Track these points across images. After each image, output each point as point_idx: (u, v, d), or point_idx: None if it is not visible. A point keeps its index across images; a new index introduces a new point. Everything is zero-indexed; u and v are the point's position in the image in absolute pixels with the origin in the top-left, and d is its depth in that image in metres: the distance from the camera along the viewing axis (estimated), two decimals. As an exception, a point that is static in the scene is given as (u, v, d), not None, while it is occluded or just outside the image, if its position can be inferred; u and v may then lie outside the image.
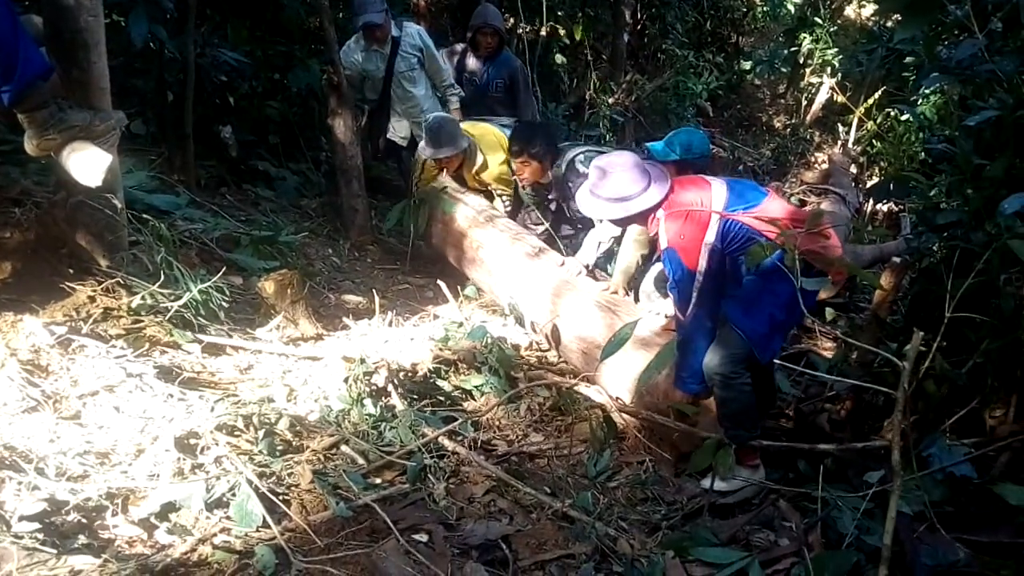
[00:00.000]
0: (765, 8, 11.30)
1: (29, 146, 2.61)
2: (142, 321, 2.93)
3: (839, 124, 9.42)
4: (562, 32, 8.05)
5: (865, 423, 3.14)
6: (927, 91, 5.96)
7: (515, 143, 4.20)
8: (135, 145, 4.63)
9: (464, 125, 4.68)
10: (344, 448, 2.63)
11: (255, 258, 3.94)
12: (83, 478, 2.17)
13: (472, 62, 5.40)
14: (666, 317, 3.17)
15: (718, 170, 8.17)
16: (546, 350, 3.79)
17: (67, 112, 2.60)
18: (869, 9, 10.08)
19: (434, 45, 5.18)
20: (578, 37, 7.98)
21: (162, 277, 3.05)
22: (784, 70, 10.98)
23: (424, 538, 2.25)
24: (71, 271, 3.02)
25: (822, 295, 4.12)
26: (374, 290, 4.06)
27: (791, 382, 3.72)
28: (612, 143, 7.08)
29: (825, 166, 8.60)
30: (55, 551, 1.87)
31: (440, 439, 2.74)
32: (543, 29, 7.69)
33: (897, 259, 3.11)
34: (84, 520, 2.04)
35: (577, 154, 4.03)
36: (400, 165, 5.59)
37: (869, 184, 7.41)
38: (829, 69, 9.29)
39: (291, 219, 5.09)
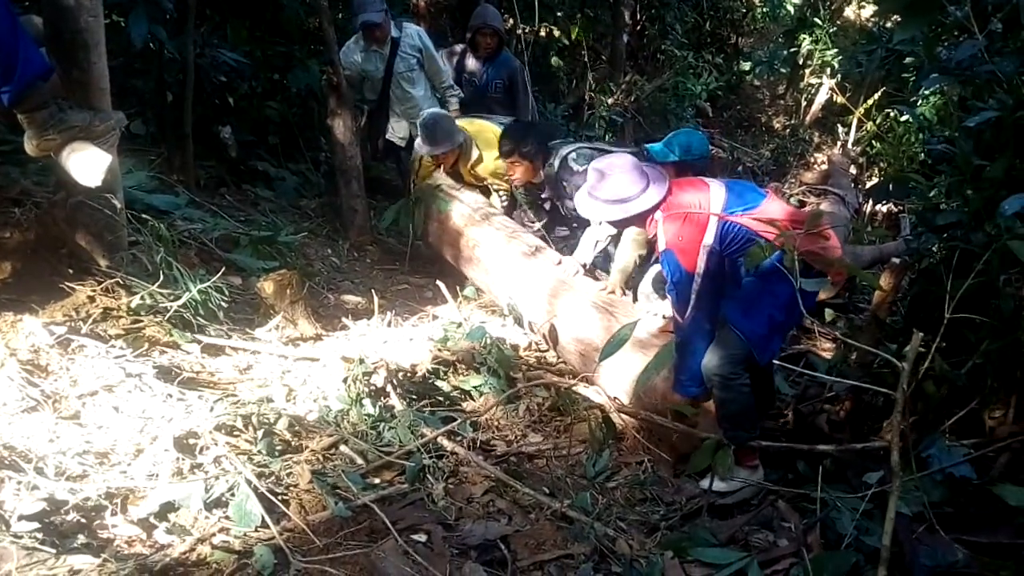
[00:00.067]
0: (764, 9, 11.32)
1: (29, 146, 2.61)
2: (141, 321, 2.93)
3: (838, 125, 9.42)
4: (557, 34, 8.05)
5: (864, 424, 3.14)
6: (927, 92, 5.96)
7: (506, 143, 4.13)
8: (135, 145, 4.64)
9: (460, 122, 4.68)
10: (343, 448, 2.63)
11: (254, 258, 3.94)
12: (82, 478, 2.17)
13: (471, 63, 5.40)
14: (664, 318, 3.17)
15: (717, 171, 8.18)
16: (545, 350, 3.79)
17: (67, 112, 2.60)
18: (869, 10, 10.08)
19: (433, 46, 5.19)
20: (574, 37, 7.98)
21: (161, 277, 3.05)
22: (783, 71, 10.99)
23: (423, 538, 2.25)
24: (71, 271, 3.02)
25: (822, 296, 4.13)
26: (373, 290, 4.06)
27: (790, 383, 3.72)
28: (611, 143, 7.08)
29: (824, 167, 8.60)
30: (54, 551, 1.87)
31: (439, 439, 2.74)
32: (541, 30, 7.70)
33: (896, 260, 3.11)
34: (83, 520, 2.04)
35: (570, 152, 3.99)
36: (399, 165, 5.60)
37: (868, 185, 7.41)
38: (828, 70, 9.29)
39: (290, 219, 5.09)
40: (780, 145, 9.85)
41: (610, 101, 7.67)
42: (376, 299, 3.78)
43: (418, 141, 4.60)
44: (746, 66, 11.08)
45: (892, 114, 7.45)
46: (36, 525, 1.93)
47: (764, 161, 9.56)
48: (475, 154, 4.58)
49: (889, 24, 7.21)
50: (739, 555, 2.28)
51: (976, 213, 2.63)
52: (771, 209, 2.72)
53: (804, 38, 9.50)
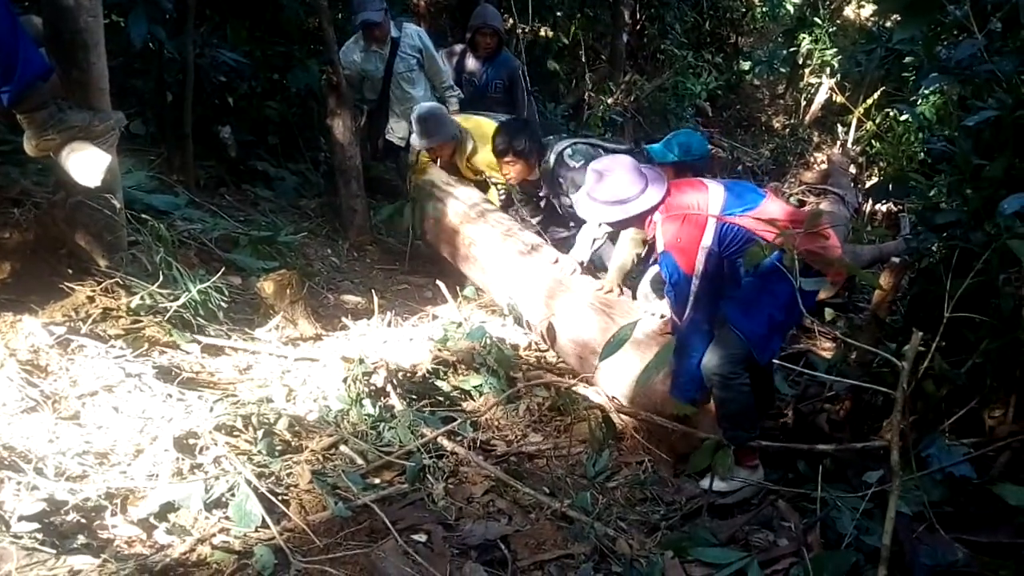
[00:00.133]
0: (764, 8, 11.32)
1: (28, 146, 2.61)
2: (141, 321, 2.93)
3: (838, 124, 9.42)
4: (549, 35, 8.05)
5: (864, 423, 3.14)
6: (926, 91, 5.96)
7: (500, 142, 4.07)
8: (134, 145, 4.64)
9: (457, 119, 4.68)
10: (343, 448, 2.63)
11: (254, 258, 3.94)
12: (82, 478, 2.17)
13: (471, 63, 5.40)
14: (662, 318, 3.16)
15: (717, 170, 8.19)
16: (545, 350, 3.79)
17: (66, 112, 2.60)
18: (868, 9, 10.08)
19: (433, 46, 5.19)
20: (571, 38, 7.98)
21: (161, 277, 3.05)
22: (783, 70, 10.99)
23: (423, 538, 2.25)
24: (70, 271, 3.02)
25: (822, 295, 4.13)
26: (373, 290, 4.06)
27: (790, 382, 3.72)
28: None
29: (824, 166, 8.60)
30: (54, 551, 1.87)
31: (439, 439, 2.74)
32: (541, 30, 7.70)
33: (896, 259, 3.11)
34: (83, 520, 2.04)
35: (565, 148, 3.97)
36: (398, 165, 5.60)
37: (868, 184, 7.40)
38: (828, 69, 9.29)
39: (290, 219, 5.09)
40: (780, 144, 9.85)
41: (610, 101, 7.67)
42: (376, 299, 3.78)
43: (414, 136, 4.59)
44: (746, 66, 11.08)
45: (892, 113, 7.45)
46: (36, 525, 1.93)
47: (764, 160, 9.56)
48: (471, 145, 4.55)
49: (889, 23, 7.21)
50: (739, 555, 2.28)
51: (975, 212, 2.63)
52: (770, 209, 2.72)
53: (804, 37, 9.51)
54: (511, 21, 7.06)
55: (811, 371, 3.31)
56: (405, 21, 5.40)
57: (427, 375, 3.22)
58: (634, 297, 3.60)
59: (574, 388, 3.22)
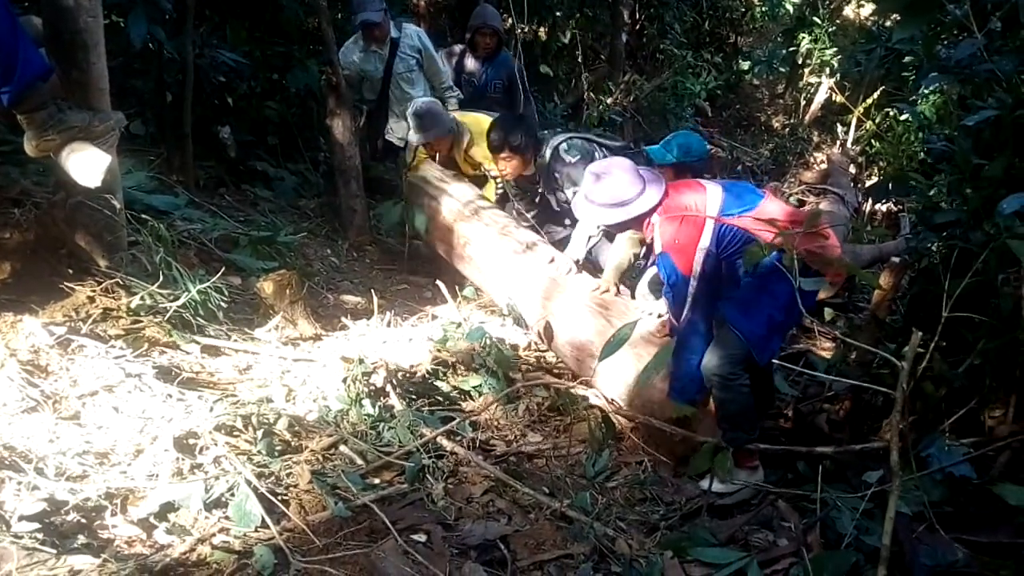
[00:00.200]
0: (763, 8, 11.32)
1: (28, 147, 2.61)
2: (141, 321, 2.93)
3: (838, 124, 9.43)
4: (543, 35, 8.05)
5: (864, 423, 3.14)
6: (926, 91, 5.96)
7: (495, 137, 4.03)
8: (134, 145, 4.64)
9: (455, 115, 4.67)
10: (343, 448, 2.63)
11: (254, 258, 3.94)
12: (82, 478, 2.17)
13: (471, 63, 5.40)
14: (659, 317, 3.16)
15: (717, 170, 8.19)
16: (544, 350, 3.79)
17: (66, 113, 2.60)
18: (868, 9, 10.08)
19: (433, 46, 5.19)
20: (568, 39, 7.98)
21: (161, 277, 3.05)
22: (783, 70, 10.99)
23: (423, 538, 2.25)
24: (70, 271, 3.02)
25: (822, 295, 4.13)
26: (373, 290, 4.06)
27: (790, 382, 3.72)
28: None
29: (824, 166, 8.61)
30: (54, 551, 1.87)
31: (438, 439, 2.74)
32: (541, 30, 7.70)
33: (896, 259, 3.11)
34: (83, 520, 2.04)
35: (561, 142, 3.94)
36: (398, 165, 5.59)
37: (868, 184, 7.41)
38: (828, 69, 9.29)
39: (290, 219, 5.09)
40: (779, 144, 9.86)
41: (609, 101, 7.67)
42: (375, 299, 3.78)
43: (411, 132, 4.58)
44: (745, 65, 11.09)
45: (891, 113, 7.44)
46: (36, 525, 1.93)
47: (763, 160, 9.57)
48: (468, 138, 4.53)
49: (888, 23, 7.21)
50: (739, 555, 2.28)
51: (975, 212, 2.63)
52: (769, 209, 2.71)
53: (803, 37, 9.50)
54: (510, 21, 7.05)
55: (811, 371, 3.31)
56: (404, 21, 5.40)
57: (426, 375, 3.22)
58: (633, 297, 3.59)
59: (573, 389, 3.22)
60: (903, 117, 7.12)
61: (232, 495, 2.22)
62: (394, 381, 3.02)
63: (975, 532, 2.27)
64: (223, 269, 3.45)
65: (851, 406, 3.18)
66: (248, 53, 5.42)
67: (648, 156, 3.60)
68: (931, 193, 3.43)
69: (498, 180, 4.59)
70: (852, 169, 8.20)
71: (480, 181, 4.72)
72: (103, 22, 2.83)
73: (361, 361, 2.98)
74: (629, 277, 3.73)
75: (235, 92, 5.57)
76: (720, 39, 11.16)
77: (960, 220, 2.73)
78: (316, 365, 3.08)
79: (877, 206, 7.29)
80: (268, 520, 2.15)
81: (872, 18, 9.15)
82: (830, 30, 9.39)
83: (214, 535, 2.10)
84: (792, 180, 8.54)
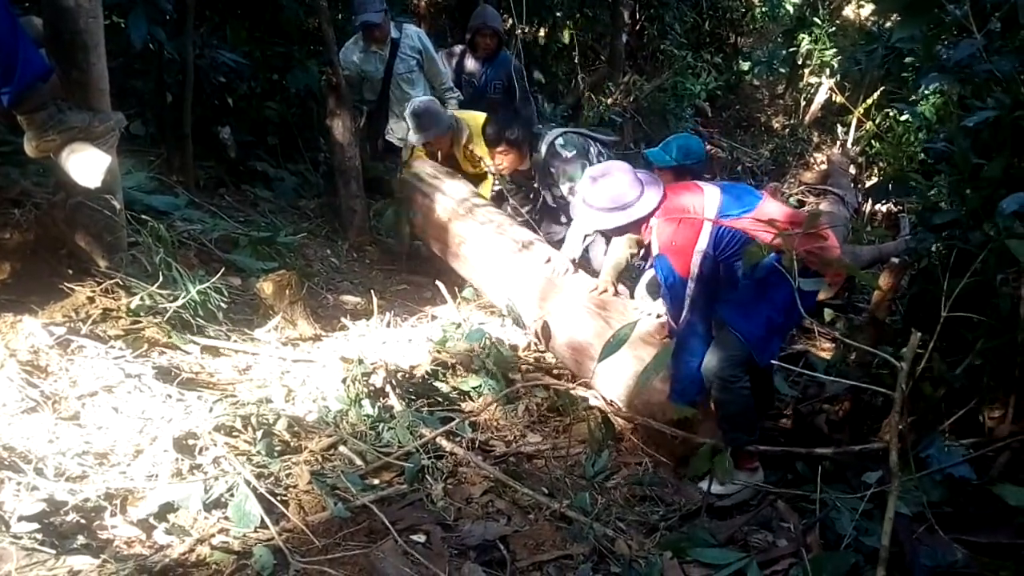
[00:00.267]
0: (764, 8, 11.33)
1: (28, 147, 2.61)
2: (141, 322, 2.93)
3: (838, 124, 9.43)
4: (542, 35, 8.05)
5: (864, 424, 3.14)
6: (926, 91, 5.96)
7: (491, 132, 4.03)
8: (134, 146, 4.64)
9: (454, 113, 4.67)
10: (342, 449, 2.63)
11: (254, 259, 3.94)
12: (82, 478, 2.17)
13: (471, 63, 5.40)
14: (658, 318, 3.16)
15: (716, 171, 8.19)
16: (544, 351, 3.79)
17: (66, 113, 2.60)
18: (868, 9, 10.09)
19: (433, 47, 5.19)
20: (567, 40, 7.99)
21: (161, 278, 3.05)
22: (783, 70, 11.00)
23: (422, 539, 2.24)
24: (70, 272, 3.02)
25: (822, 296, 4.13)
26: (372, 291, 4.06)
27: (789, 383, 3.72)
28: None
29: (824, 166, 8.61)
30: (54, 551, 1.87)
31: (438, 440, 2.74)
32: (540, 30, 7.70)
33: (896, 260, 3.11)
34: (83, 520, 2.04)
35: (556, 137, 3.94)
36: (397, 166, 5.60)
37: (868, 184, 7.41)
38: (828, 70, 9.30)
39: (289, 220, 5.09)
40: (779, 145, 9.86)
41: (609, 101, 7.67)
42: (375, 299, 3.78)
43: (410, 133, 4.57)
44: (745, 66, 11.09)
45: (892, 113, 7.45)
46: (36, 526, 1.93)
47: (763, 161, 9.57)
48: (467, 133, 4.52)
49: (888, 23, 7.21)
50: (738, 555, 2.28)
51: (974, 212, 2.63)
52: (768, 210, 2.71)
53: (803, 38, 9.51)
54: (511, 22, 7.06)
55: (810, 372, 3.31)
56: (405, 22, 5.41)
57: (426, 376, 3.22)
58: (632, 296, 3.59)
59: (573, 390, 3.22)
60: (903, 117, 7.13)
61: (231, 495, 2.22)
62: (393, 382, 3.02)
63: (975, 533, 2.27)
64: (223, 270, 3.46)
65: (851, 407, 3.18)
66: (248, 53, 5.43)
67: (647, 159, 3.59)
68: (931, 194, 3.43)
69: (495, 177, 4.58)
70: (852, 170, 8.21)
71: (477, 180, 4.71)
72: (103, 23, 2.83)
73: (360, 362, 2.98)
74: (628, 277, 3.72)
75: (235, 92, 5.58)
76: (720, 40, 11.17)
77: (959, 220, 2.74)
78: (315, 366, 3.08)
79: (877, 207, 7.29)
80: (267, 520, 2.15)
81: (872, 18, 9.16)
82: (830, 31, 9.40)
83: (213, 535, 2.10)
84: (792, 181, 8.54)
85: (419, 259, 4.93)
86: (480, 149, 4.47)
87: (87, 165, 2.59)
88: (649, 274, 3.49)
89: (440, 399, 3.15)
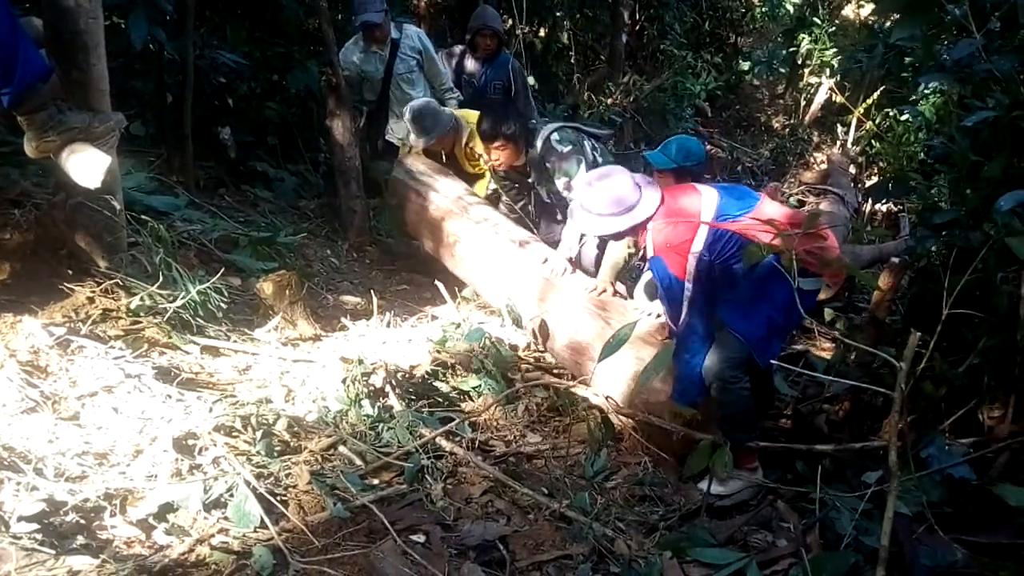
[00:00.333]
0: (763, 8, 11.33)
1: (28, 148, 2.61)
2: (141, 322, 2.93)
3: (838, 124, 9.43)
4: (541, 35, 8.05)
5: (864, 424, 3.14)
6: (926, 91, 5.97)
7: (488, 127, 3.98)
8: (134, 146, 4.65)
9: (454, 112, 4.66)
10: (342, 449, 2.63)
11: (254, 259, 3.94)
12: (81, 479, 2.17)
13: (470, 64, 5.40)
14: (658, 318, 3.16)
15: (716, 171, 8.19)
16: (544, 351, 3.79)
17: (66, 114, 2.60)
18: (868, 9, 10.09)
19: (433, 47, 5.19)
20: (567, 40, 7.99)
21: (161, 278, 3.05)
22: (783, 70, 11.00)
23: (421, 539, 2.24)
24: (70, 272, 3.02)
25: (822, 296, 4.13)
26: (372, 291, 4.06)
27: (789, 383, 3.72)
28: (610, 144, 7.07)
29: (824, 166, 8.62)
30: (53, 551, 1.87)
31: (437, 440, 2.74)
32: (540, 30, 7.71)
33: (896, 259, 3.11)
34: (82, 521, 2.04)
35: (552, 132, 3.92)
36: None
37: (868, 184, 7.41)
38: (828, 70, 9.30)
39: (289, 220, 5.10)
40: (779, 145, 9.86)
41: (609, 101, 7.67)
42: (375, 300, 3.78)
43: (411, 136, 4.55)
44: (745, 66, 11.09)
45: (892, 113, 7.45)
46: (35, 526, 1.93)
47: (763, 161, 9.57)
48: (467, 131, 4.48)
49: (888, 23, 7.21)
50: (738, 555, 2.28)
51: (974, 212, 2.63)
52: (767, 211, 2.71)
53: (803, 38, 9.51)
54: (511, 22, 7.06)
55: (810, 371, 3.31)
56: (405, 22, 5.41)
57: (426, 376, 3.22)
58: (631, 297, 3.58)
59: (573, 389, 3.22)
60: (903, 117, 7.13)
61: (231, 496, 2.22)
62: (393, 382, 3.02)
63: (974, 533, 2.27)
64: (223, 270, 3.46)
65: (851, 406, 3.18)
66: (248, 54, 5.43)
67: (647, 161, 3.58)
68: (931, 193, 3.44)
69: (491, 176, 4.57)
70: (852, 169, 8.21)
71: (476, 179, 4.71)
72: (103, 23, 2.83)
73: (360, 362, 2.98)
74: (629, 278, 3.72)
75: (235, 93, 5.58)
76: (720, 40, 11.17)
77: (959, 220, 2.74)
78: (315, 366, 3.09)
79: (877, 206, 7.29)
80: (267, 521, 2.15)
81: (872, 18, 9.16)
82: (830, 30, 9.40)
83: (213, 536, 2.10)
84: (792, 180, 8.55)
85: (419, 259, 4.93)
86: (480, 146, 4.45)
87: (87, 166, 2.59)
88: (647, 275, 3.49)
89: (440, 399, 3.15)
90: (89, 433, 2.35)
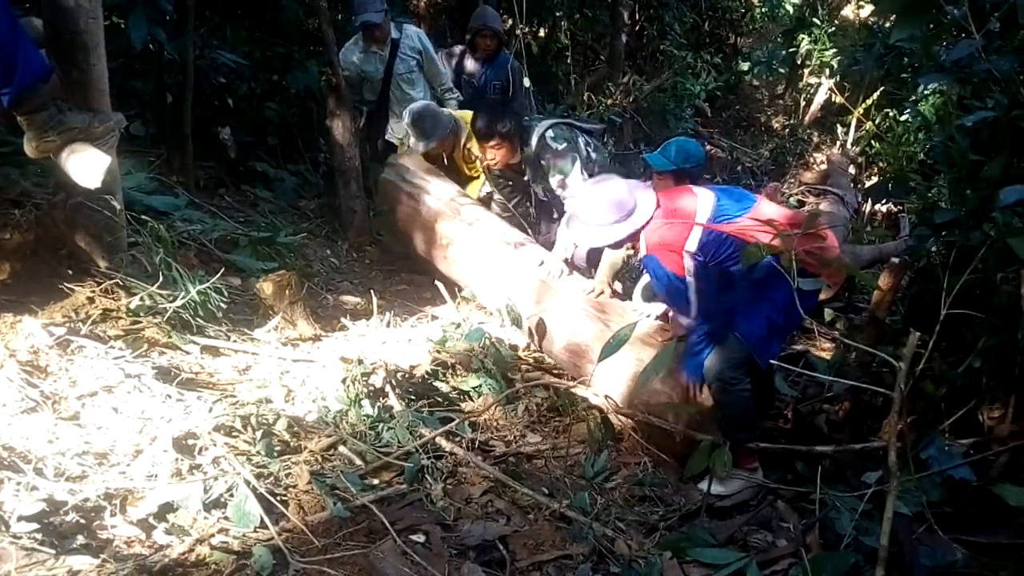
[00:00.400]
0: (763, 9, 11.33)
1: (28, 148, 2.61)
2: (141, 322, 2.93)
3: (837, 124, 9.43)
4: (540, 35, 8.05)
5: (864, 424, 3.15)
6: (926, 91, 5.97)
7: (483, 126, 3.99)
8: (134, 146, 4.64)
9: (450, 112, 4.66)
10: (342, 449, 2.63)
11: (253, 259, 3.94)
12: (82, 478, 2.17)
13: (470, 64, 5.41)
14: (657, 319, 3.16)
15: (716, 171, 8.19)
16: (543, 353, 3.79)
17: (66, 114, 2.60)
18: (868, 9, 10.09)
19: (433, 47, 5.19)
20: (565, 42, 7.99)
21: (161, 278, 3.05)
22: (782, 71, 11.00)
23: (421, 539, 2.25)
24: (70, 272, 3.02)
25: (822, 296, 4.14)
26: (372, 291, 4.05)
27: (789, 383, 3.72)
28: (609, 143, 7.08)
29: (824, 167, 8.61)
30: (53, 551, 1.87)
31: (437, 440, 2.74)
32: (540, 30, 7.71)
33: (896, 259, 3.11)
34: (82, 520, 2.04)
35: (546, 129, 3.92)
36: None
37: (868, 184, 7.42)
38: (827, 70, 9.30)
39: (289, 220, 5.09)
40: (779, 145, 9.86)
41: (609, 101, 7.67)
42: (375, 300, 3.78)
43: (412, 140, 4.55)
44: (745, 66, 11.08)
45: (891, 113, 7.46)
46: (35, 526, 1.93)
47: (763, 161, 9.57)
48: (466, 132, 4.47)
49: (888, 24, 7.21)
50: (738, 555, 2.28)
51: (974, 211, 2.63)
52: (765, 212, 2.71)
53: (803, 38, 9.52)
54: (511, 22, 7.06)
55: (810, 372, 3.31)
56: (405, 22, 5.41)
57: (426, 376, 3.22)
58: (629, 298, 3.58)
59: (572, 389, 3.22)
60: (903, 118, 7.14)
61: (231, 495, 2.22)
62: (393, 382, 3.02)
63: (974, 533, 2.27)
64: (223, 270, 3.46)
65: (851, 407, 3.18)
66: (248, 54, 5.43)
67: (647, 163, 3.58)
68: (931, 194, 3.44)
69: (486, 176, 4.56)
70: (852, 170, 8.21)
71: (467, 183, 4.70)
72: (103, 23, 2.83)
73: (360, 362, 2.98)
74: (629, 278, 3.72)
75: (235, 93, 5.58)
76: (720, 40, 11.17)
77: (959, 220, 2.74)
78: (315, 366, 3.09)
79: (877, 207, 7.29)
80: (267, 520, 2.15)
81: (872, 19, 9.16)
82: (830, 31, 9.40)
83: (213, 535, 2.10)
84: (792, 181, 8.55)
85: (419, 259, 4.93)
86: (476, 147, 4.45)
87: (87, 166, 2.59)
88: (646, 278, 3.49)
89: (440, 399, 3.15)
90: (89, 433, 2.35)
